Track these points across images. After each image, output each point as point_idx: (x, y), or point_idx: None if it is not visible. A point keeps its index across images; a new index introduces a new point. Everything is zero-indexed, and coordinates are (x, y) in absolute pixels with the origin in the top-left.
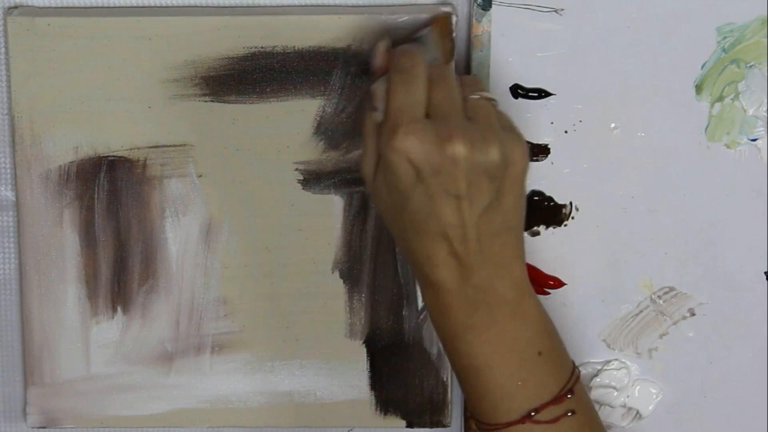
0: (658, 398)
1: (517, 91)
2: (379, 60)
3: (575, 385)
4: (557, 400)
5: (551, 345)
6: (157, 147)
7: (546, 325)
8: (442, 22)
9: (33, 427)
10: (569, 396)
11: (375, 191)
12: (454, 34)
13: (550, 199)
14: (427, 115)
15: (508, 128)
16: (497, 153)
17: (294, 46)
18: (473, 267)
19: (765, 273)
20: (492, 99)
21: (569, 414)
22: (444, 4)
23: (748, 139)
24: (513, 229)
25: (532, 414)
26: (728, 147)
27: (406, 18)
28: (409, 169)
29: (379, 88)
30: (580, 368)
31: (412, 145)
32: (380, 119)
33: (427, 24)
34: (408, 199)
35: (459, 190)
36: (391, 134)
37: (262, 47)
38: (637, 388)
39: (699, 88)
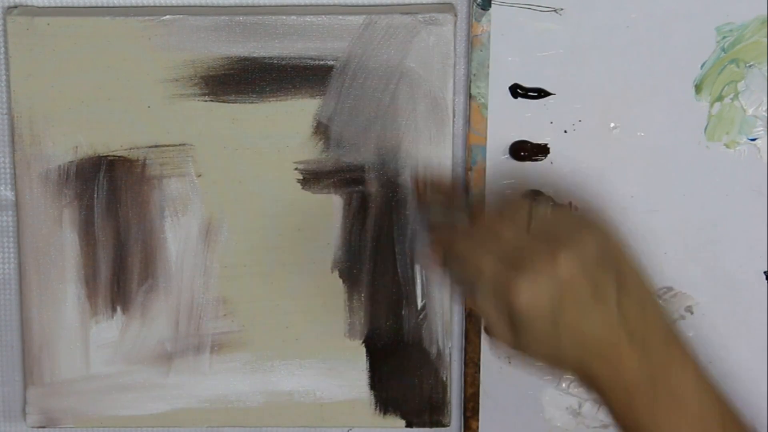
0: None
1: (517, 90)
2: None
3: None
4: None
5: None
6: (156, 147)
7: (728, 413)
8: (418, 186)
9: (32, 427)
10: None
11: (524, 348)
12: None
13: (550, 199)
14: (507, 260)
15: (579, 216)
16: (591, 240)
17: (294, 47)
18: (646, 373)
19: (765, 273)
20: (549, 199)
21: None
22: (443, 5)
23: (748, 138)
24: (654, 306)
25: None
26: (728, 147)
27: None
28: (541, 311)
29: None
30: None
31: (528, 290)
32: (479, 293)
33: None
34: (555, 337)
35: (589, 294)
36: (505, 295)
37: (261, 47)
38: None
39: (698, 88)
